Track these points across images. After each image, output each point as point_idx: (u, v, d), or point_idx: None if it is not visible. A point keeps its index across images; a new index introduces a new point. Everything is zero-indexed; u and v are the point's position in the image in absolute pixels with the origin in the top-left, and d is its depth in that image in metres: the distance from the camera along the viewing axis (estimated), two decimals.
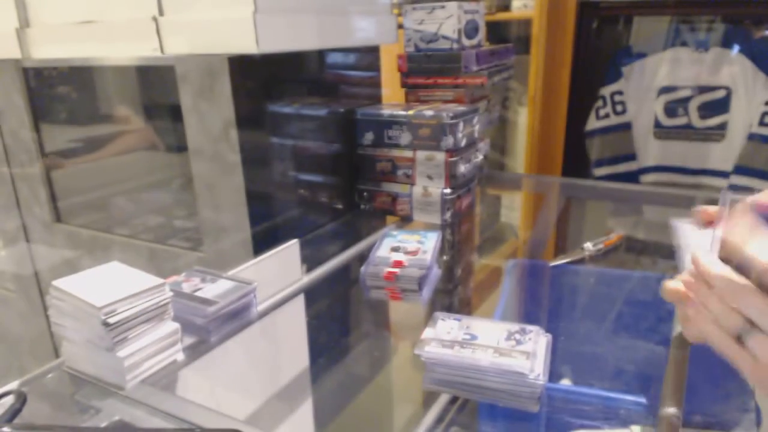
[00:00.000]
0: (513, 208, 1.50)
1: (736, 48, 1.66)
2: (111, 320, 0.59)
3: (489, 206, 1.45)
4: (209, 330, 0.71)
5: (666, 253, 1.16)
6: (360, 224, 1.21)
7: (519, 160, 2.09)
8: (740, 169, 1.65)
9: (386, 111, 1.17)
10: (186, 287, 0.76)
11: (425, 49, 1.26)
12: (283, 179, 1.06)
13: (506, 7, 1.78)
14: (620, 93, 1.81)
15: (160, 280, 0.64)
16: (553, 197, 1.43)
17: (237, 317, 0.75)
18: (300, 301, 0.88)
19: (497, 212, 1.46)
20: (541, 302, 1.00)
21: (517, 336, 0.64)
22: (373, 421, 0.82)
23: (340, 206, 1.21)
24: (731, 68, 1.66)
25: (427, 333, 0.65)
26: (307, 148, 1.11)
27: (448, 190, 1.13)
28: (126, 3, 0.98)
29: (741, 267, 0.34)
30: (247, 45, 0.87)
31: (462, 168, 1.15)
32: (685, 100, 1.73)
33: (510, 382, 0.58)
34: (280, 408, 0.79)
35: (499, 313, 0.90)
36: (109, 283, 0.63)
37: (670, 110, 1.75)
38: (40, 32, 1.11)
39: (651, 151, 1.81)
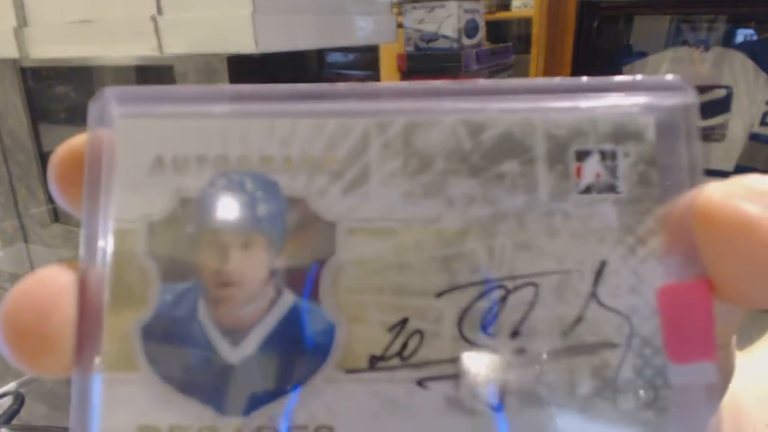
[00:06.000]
0: None
1: (737, 47, 1.64)
2: None
3: None
4: None
5: None
6: None
7: None
8: (741, 170, 1.63)
9: None
10: None
11: (425, 49, 1.24)
12: None
13: (506, 6, 1.75)
14: None
15: None
16: None
17: None
18: None
19: None
20: None
21: None
22: None
23: None
24: (732, 67, 1.64)
25: None
26: None
27: None
28: (124, 2, 0.97)
29: None
30: (245, 44, 0.85)
31: None
32: None
33: None
34: None
35: None
36: None
37: None
38: (39, 31, 1.09)
39: None
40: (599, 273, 0.11)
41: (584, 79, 0.11)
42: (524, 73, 1.83)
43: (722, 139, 1.66)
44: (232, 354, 0.11)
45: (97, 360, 0.11)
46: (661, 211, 0.11)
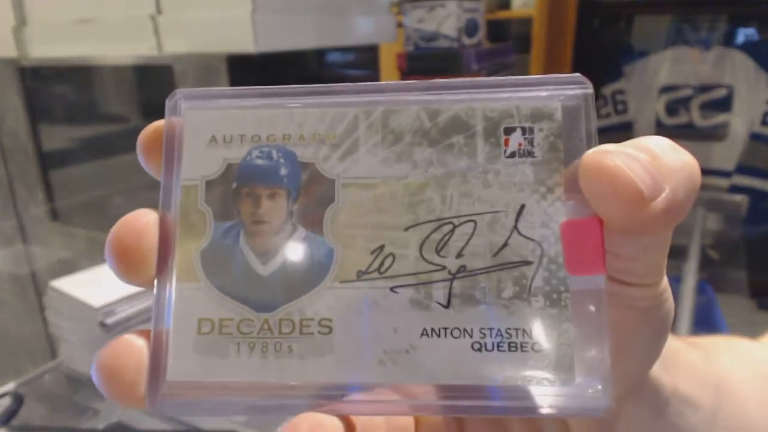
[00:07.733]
0: None
1: (737, 46, 1.67)
2: (108, 321, 0.60)
3: None
4: None
5: (669, 253, 1.16)
6: None
7: None
8: (742, 169, 1.66)
9: None
10: None
11: (425, 48, 1.27)
12: None
13: (506, 6, 1.79)
14: (621, 92, 1.82)
15: None
16: None
17: None
18: None
19: None
20: None
21: None
22: None
23: None
24: (733, 67, 1.66)
25: None
26: None
27: None
28: (123, 1, 0.98)
29: None
30: (245, 44, 0.88)
31: None
32: (687, 99, 1.73)
33: None
34: None
35: None
36: (106, 284, 0.64)
37: (672, 109, 1.76)
38: (38, 31, 1.11)
39: None
40: (520, 213, 0.17)
41: (510, 77, 0.17)
42: (524, 73, 1.87)
43: (723, 139, 1.69)
44: (263, 269, 0.17)
45: (171, 273, 0.17)
46: (565, 169, 0.16)
